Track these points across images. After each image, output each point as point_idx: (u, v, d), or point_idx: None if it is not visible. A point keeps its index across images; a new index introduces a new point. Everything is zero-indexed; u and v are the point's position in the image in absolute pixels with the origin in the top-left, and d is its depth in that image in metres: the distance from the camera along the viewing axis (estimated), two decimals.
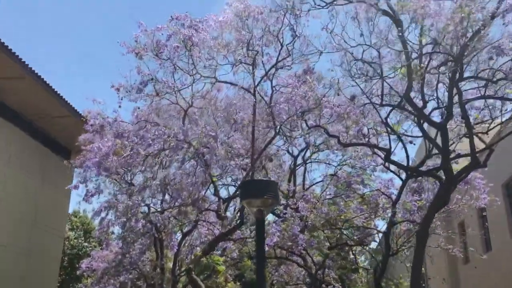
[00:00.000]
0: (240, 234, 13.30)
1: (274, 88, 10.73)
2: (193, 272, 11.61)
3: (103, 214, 13.28)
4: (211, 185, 12.08)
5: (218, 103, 12.12)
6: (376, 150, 11.99)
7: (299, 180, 15.48)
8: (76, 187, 11.77)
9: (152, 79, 9.58)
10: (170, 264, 25.52)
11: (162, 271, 22.74)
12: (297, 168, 14.74)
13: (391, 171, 12.97)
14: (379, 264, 13.13)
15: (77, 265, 24.59)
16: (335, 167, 14.54)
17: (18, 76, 15.96)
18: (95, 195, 12.30)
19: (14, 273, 19.56)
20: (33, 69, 15.80)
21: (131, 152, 9.86)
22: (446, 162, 8.61)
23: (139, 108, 11.25)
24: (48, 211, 21.89)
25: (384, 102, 9.78)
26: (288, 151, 14.26)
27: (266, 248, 10.32)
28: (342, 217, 12.65)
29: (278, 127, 10.90)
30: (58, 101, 17.82)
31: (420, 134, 10.16)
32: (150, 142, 9.59)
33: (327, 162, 14.87)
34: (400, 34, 8.25)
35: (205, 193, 12.65)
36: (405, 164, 10.62)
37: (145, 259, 24.06)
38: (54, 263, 23.22)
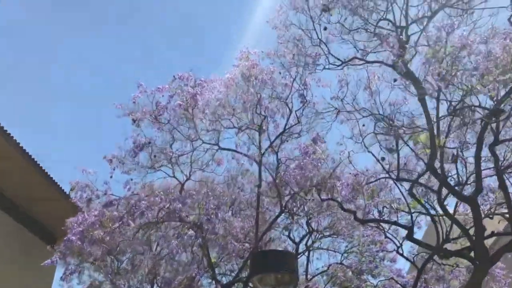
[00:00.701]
0: None
1: (279, 161, 9.90)
2: None
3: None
4: (208, 269, 10.53)
5: (217, 178, 11.13)
6: (387, 234, 11.00)
7: (301, 270, 14.13)
8: (53, 261, 10.26)
9: (149, 142, 8.70)
10: None
11: None
12: (298, 256, 13.45)
13: (405, 257, 11.77)
14: None
15: None
16: (342, 254, 13.19)
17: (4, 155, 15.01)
18: (74, 273, 10.89)
19: None
20: (20, 144, 14.83)
21: (120, 223, 8.61)
22: (479, 240, 7.51)
23: (132, 179, 10.25)
24: None
25: (400, 177, 8.97)
26: (289, 237, 13.11)
27: None
28: None
29: (284, 204, 9.92)
30: (47, 182, 16.76)
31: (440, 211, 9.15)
32: (144, 210, 8.39)
33: (333, 249, 13.59)
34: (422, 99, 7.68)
35: (200, 277, 11.00)
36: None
37: None
38: None
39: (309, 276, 13.18)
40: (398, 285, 11.89)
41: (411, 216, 9.07)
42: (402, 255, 11.62)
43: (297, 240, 13.49)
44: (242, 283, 10.07)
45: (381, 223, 10.44)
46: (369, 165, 9.85)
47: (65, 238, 9.22)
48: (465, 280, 10.62)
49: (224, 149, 9.67)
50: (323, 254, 14.00)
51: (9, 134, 13.26)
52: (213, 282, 10.71)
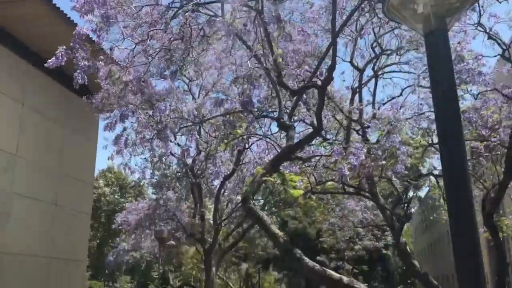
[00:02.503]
0: (314, 149, 10.51)
1: None
2: (251, 201, 7.32)
3: (118, 128, 11.15)
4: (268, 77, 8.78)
5: None
6: None
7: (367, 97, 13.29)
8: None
9: None
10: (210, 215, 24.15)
11: (202, 219, 21.20)
12: (362, 85, 12.60)
13: None
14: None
15: (114, 221, 23.71)
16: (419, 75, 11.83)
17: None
18: (119, 121, 10.42)
19: (42, 227, 18.15)
20: None
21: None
22: None
23: None
24: (74, 160, 20.39)
25: None
26: (352, 63, 12.16)
27: (347, 173, 7.98)
28: None
29: None
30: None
31: None
32: None
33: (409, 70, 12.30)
34: None
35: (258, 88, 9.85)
36: None
37: (183, 209, 22.75)
38: (85, 216, 21.64)
39: (376, 105, 12.46)
40: None
41: None
42: None
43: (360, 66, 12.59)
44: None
45: None
46: None
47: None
48: None
49: None
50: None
51: None
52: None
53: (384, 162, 8.70)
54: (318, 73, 8.62)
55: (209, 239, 22.34)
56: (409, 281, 63.89)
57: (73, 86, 8.46)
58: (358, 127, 12.47)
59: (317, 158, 10.05)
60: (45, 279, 18.06)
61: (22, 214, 17.02)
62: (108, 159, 11.23)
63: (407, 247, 12.10)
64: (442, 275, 41.92)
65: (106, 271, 52.07)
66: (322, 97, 7.48)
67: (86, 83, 8.50)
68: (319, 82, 7.87)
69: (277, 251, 46.21)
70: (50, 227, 18.65)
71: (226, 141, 9.74)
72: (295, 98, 8.30)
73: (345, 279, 5.53)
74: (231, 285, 58.23)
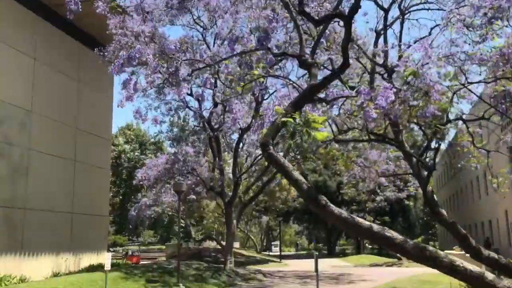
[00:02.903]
0: (338, 92, 9.23)
1: None
2: (271, 146, 6.35)
3: (126, 71, 10.62)
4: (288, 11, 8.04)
5: None
6: None
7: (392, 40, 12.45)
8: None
9: None
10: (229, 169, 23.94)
11: (221, 173, 21.05)
12: (387, 27, 11.79)
13: None
14: None
15: (135, 177, 23.80)
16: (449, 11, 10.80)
17: None
18: (127, 63, 9.82)
19: (62, 183, 18.15)
20: None
21: None
22: None
23: None
24: (90, 115, 20.16)
25: None
26: (376, 2, 11.29)
27: (374, 115, 7.11)
28: None
29: None
30: None
31: None
32: None
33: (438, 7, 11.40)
34: None
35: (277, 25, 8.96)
36: None
37: (202, 164, 22.65)
38: (105, 172, 21.65)
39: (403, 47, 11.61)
40: None
41: None
42: None
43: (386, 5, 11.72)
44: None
45: None
46: None
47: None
48: None
49: None
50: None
51: None
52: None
53: (416, 102, 8.01)
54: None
55: (229, 193, 22.23)
56: (430, 231, 63.99)
57: (67, 15, 8.03)
58: (383, 72, 11.74)
59: (341, 102, 9.37)
60: (68, 234, 18.23)
61: (41, 170, 16.96)
62: (118, 106, 10.67)
63: (434, 196, 11.59)
64: (465, 225, 41.67)
65: (130, 226, 53.16)
66: (349, 28, 6.76)
67: (80, 9, 8.04)
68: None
69: (297, 204, 46.41)
70: (71, 183, 18.65)
71: (242, 84, 9.07)
72: (316, 34, 7.55)
73: (375, 226, 5.03)
74: (252, 237, 59.23)
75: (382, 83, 9.54)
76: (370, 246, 54.38)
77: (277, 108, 5.84)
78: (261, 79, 10.25)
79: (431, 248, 5.01)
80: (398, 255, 33.18)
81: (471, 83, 8.59)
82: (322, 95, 8.14)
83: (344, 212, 5.20)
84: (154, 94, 16.90)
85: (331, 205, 5.15)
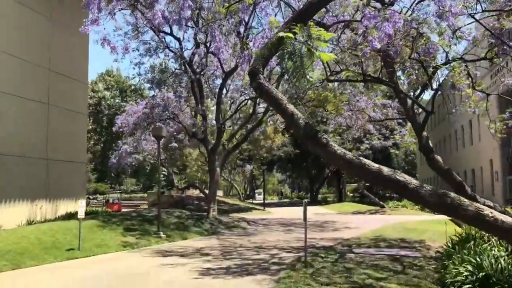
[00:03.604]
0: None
1: None
2: (261, 75, 5.18)
3: None
4: None
5: None
6: None
7: None
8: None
9: None
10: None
11: (204, 119, 20.16)
12: None
13: None
14: None
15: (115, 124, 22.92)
16: None
17: None
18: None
19: (35, 128, 17.08)
20: None
21: None
22: None
23: None
24: (65, 57, 18.83)
25: None
26: None
27: (378, 46, 6.18)
28: None
29: None
30: None
31: None
32: None
33: None
34: None
35: None
36: None
37: (184, 110, 21.72)
38: (82, 117, 20.56)
39: None
40: None
41: None
42: None
43: None
44: None
45: None
46: None
47: None
48: None
49: None
50: None
51: None
52: None
53: (422, 31, 7.17)
54: None
55: (212, 140, 21.43)
56: None
57: None
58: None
59: (341, 29, 8.36)
60: (43, 180, 17.39)
61: (11, 114, 15.87)
62: (80, 31, 9.50)
63: (429, 142, 11.00)
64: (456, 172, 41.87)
65: (112, 174, 52.51)
66: None
67: None
68: None
69: (281, 153, 45.87)
70: (44, 128, 17.63)
71: (227, 4, 7.92)
72: None
73: (385, 169, 4.25)
74: (236, 186, 59.16)
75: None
76: (351, 195, 54.81)
77: (272, 19, 4.85)
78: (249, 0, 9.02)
79: (452, 194, 4.25)
80: (381, 203, 33.36)
81: (486, 10, 7.73)
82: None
83: (348, 153, 4.43)
84: (131, 33, 15.73)
85: (333, 144, 4.39)
